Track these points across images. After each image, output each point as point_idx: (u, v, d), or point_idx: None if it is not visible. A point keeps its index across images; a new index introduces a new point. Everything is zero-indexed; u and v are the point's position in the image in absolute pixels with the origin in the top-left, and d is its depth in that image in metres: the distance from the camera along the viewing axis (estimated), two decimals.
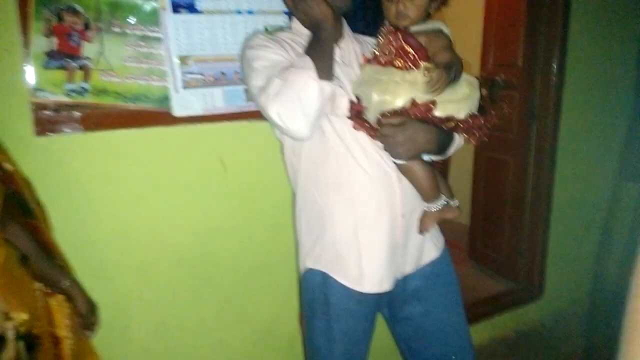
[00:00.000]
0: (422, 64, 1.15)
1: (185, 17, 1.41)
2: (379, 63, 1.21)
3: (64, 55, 1.34)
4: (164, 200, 1.55)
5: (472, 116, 1.19)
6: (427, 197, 1.26)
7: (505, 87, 2.73)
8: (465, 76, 1.20)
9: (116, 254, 1.50)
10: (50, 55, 1.32)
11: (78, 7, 1.33)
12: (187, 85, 1.45)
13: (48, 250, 1.17)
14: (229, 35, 1.48)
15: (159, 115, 1.47)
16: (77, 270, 1.32)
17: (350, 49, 1.32)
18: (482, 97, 1.25)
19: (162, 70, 1.45)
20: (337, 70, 1.21)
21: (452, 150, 1.29)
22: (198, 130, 1.54)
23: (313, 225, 1.34)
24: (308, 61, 1.13)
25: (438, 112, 1.16)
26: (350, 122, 1.22)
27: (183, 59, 1.43)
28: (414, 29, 1.20)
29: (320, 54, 1.15)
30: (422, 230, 1.31)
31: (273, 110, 1.12)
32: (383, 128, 1.16)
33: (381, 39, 1.22)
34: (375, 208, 1.25)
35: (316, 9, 1.17)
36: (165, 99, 1.46)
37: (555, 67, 2.42)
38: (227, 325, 1.73)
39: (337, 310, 1.32)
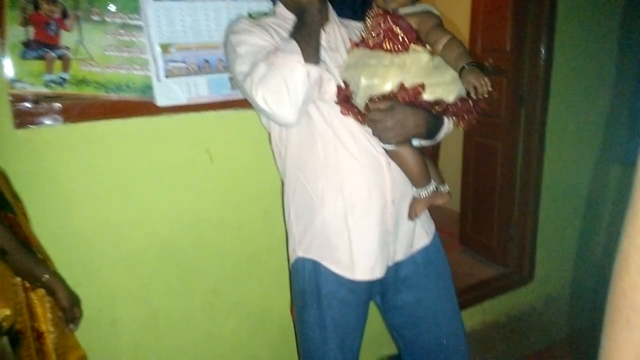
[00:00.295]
0: (412, 46, 1.13)
1: (166, 3, 1.37)
2: (368, 46, 1.19)
3: (41, 45, 1.30)
4: (150, 191, 1.52)
5: (461, 99, 1.18)
6: (417, 182, 1.25)
7: (494, 72, 2.71)
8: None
9: (102, 247, 1.47)
10: (27, 45, 1.29)
11: None
12: (170, 74, 1.42)
13: (27, 244, 1.15)
14: (212, 22, 1.45)
15: (141, 106, 1.44)
16: (63, 264, 1.30)
17: (337, 34, 1.30)
18: None
19: (143, 59, 1.41)
20: (324, 54, 1.19)
21: (441, 134, 1.28)
22: (183, 120, 1.51)
23: (303, 213, 1.32)
24: (294, 45, 1.11)
25: (427, 96, 1.15)
26: (338, 108, 1.20)
27: (165, 47, 1.40)
28: (403, 11, 1.18)
29: (306, 38, 1.12)
30: (412, 216, 1.30)
31: (259, 96, 1.10)
32: (372, 113, 1.14)
33: (369, 22, 1.20)
34: (365, 194, 1.24)
35: None
36: (148, 88, 1.43)
37: (543, 51, 2.41)
38: (217, 316, 1.72)
39: (328, 299, 1.31)
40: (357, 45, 1.23)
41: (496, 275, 2.80)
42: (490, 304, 2.59)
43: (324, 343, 1.33)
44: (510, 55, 2.60)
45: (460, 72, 1.11)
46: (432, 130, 1.22)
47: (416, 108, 1.15)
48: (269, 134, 1.38)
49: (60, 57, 1.33)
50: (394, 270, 1.36)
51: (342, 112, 1.20)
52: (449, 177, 1.35)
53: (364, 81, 1.14)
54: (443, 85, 1.15)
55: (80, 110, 1.38)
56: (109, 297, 1.51)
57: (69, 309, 1.18)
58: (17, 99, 1.30)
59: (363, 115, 1.17)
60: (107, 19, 1.36)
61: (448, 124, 1.27)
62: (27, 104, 1.31)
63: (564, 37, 2.43)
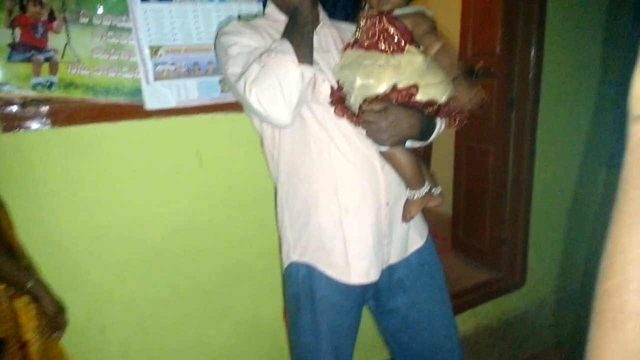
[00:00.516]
0: (407, 47, 1.13)
1: (155, 5, 1.36)
2: (362, 47, 1.18)
3: (28, 48, 1.28)
4: (139, 196, 1.50)
5: (452, 99, 1.18)
6: (410, 184, 1.24)
7: (484, 75, 2.72)
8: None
9: (90, 253, 1.45)
10: (14, 47, 1.27)
11: None
12: (159, 77, 1.40)
13: (11, 250, 1.12)
14: (201, 24, 1.43)
15: (130, 109, 1.42)
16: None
17: (328, 35, 1.30)
18: None
19: (132, 62, 1.40)
20: (316, 56, 1.18)
21: (434, 135, 1.27)
22: (172, 123, 1.49)
23: (297, 217, 1.31)
24: (287, 45, 1.10)
25: (420, 97, 1.15)
26: (331, 110, 1.19)
27: (154, 50, 1.38)
28: (397, 12, 1.18)
29: (299, 39, 1.12)
30: (406, 218, 1.29)
31: (253, 96, 1.09)
32: (366, 114, 1.14)
33: (363, 23, 1.20)
34: (360, 196, 1.23)
35: None
36: (136, 91, 1.41)
37: (533, 54, 2.42)
38: (208, 323, 1.70)
39: (322, 303, 1.29)
40: (350, 45, 1.23)
41: (488, 280, 2.79)
42: (482, 309, 2.58)
43: (318, 349, 1.31)
44: (501, 58, 2.60)
45: (454, 80, 1.14)
46: (425, 131, 1.21)
47: (410, 109, 1.15)
48: (261, 137, 1.36)
49: (47, 60, 1.31)
50: (388, 274, 1.35)
51: (335, 114, 1.19)
52: (441, 180, 1.35)
53: (359, 81, 1.13)
54: (435, 86, 1.15)
55: (68, 113, 1.36)
56: (98, 303, 1.48)
57: (54, 317, 1.15)
58: (4, 102, 1.28)
59: (357, 117, 1.16)
60: (95, 21, 1.35)
61: (440, 125, 1.26)
62: (14, 108, 1.29)
63: (554, 40, 2.44)
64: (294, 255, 1.33)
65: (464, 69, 1.14)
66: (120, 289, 1.51)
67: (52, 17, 1.30)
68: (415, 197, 1.25)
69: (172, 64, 1.41)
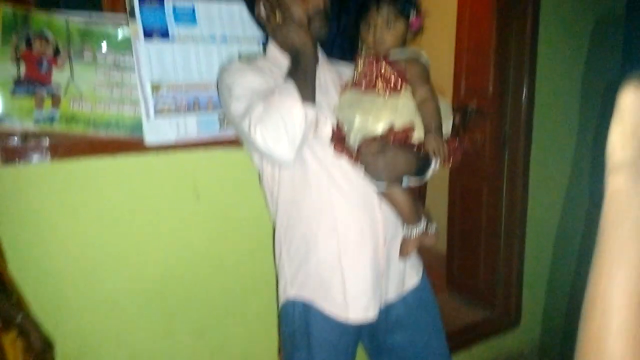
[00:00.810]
0: (403, 88, 1.17)
1: (157, 44, 1.39)
2: (360, 88, 1.22)
3: (32, 82, 1.31)
4: (134, 230, 1.50)
5: (447, 140, 1.21)
6: (407, 221, 1.26)
7: (477, 114, 2.78)
8: (439, 102, 1.21)
9: (83, 287, 1.44)
10: (18, 82, 1.29)
11: (48, 34, 1.31)
12: (159, 113, 1.42)
13: (1, 284, 1.12)
14: (203, 62, 1.47)
15: (130, 143, 1.44)
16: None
17: (327, 75, 1.33)
18: (454, 125, 1.27)
19: (134, 98, 1.42)
20: (317, 96, 1.21)
21: (429, 173, 1.29)
22: (170, 158, 1.51)
23: (295, 253, 1.31)
24: (291, 86, 1.13)
25: (416, 137, 1.18)
26: (331, 148, 1.22)
27: (156, 86, 1.41)
28: (392, 55, 1.22)
29: (302, 79, 1.15)
30: (403, 255, 1.30)
31: (258, 135, 1.11)
32: (363, 154, 1.16)
33: (360, 64, 1.23)
34: (358, 233, 1.24)
35: (295, 36, 1.19)
36: (137, 126, 1.43)
37: (525, 94, 2.47)
38: None
39: (319, 342, 1.28)
40: (349, 86, 1.26)
41: (483, 319, 2.78)
42: (478, 349, 2.56)
43: None
44: (493, 97, 2.67)
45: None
46: (421, 169, 1.23)
47: (406, 149, 1.17)
48: (260, 173, 1.38)
49: (50, 95, 1.33)
50: (385, 311, 1.34)
51: (335, 153, 1.21)
52: (436, 218, 1.37)
53: (357, 122, 1.16)
54: None
55: (68, 147, 1.37)
56: (88, 339, 1.46)
57: (41, 353, 1.14)
58: (5, 135, 1.29)
59: (356, 156, 1.19)
60: (99, 58, 1.38)
61: (435, 163, 1.29)
62: (15, 141, 1.31)
63: (545, 80, 2.51)
64: (291, 291, 1.32)
65: (440, 124, 1.17)
66: (112, 324, 1.49)
67: (57, 52, 1.33)
68: (412, 234, 1.26)
69: (173, 100, 1.44)
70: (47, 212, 1.37)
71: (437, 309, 1.45)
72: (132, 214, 1.49)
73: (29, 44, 1.29)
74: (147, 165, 1.49)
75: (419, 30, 1.26)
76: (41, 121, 1.33)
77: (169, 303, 1.58)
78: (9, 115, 1.29)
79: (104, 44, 1.38)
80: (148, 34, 1.37)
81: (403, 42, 1.24)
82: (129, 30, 1.37)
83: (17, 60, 1.28)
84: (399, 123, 1.16)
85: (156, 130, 1.43)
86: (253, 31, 1.51)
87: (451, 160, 1.22)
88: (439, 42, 3.33)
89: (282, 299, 1.37)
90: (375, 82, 1.19)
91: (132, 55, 1.39)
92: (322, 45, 1.39)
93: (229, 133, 1.51)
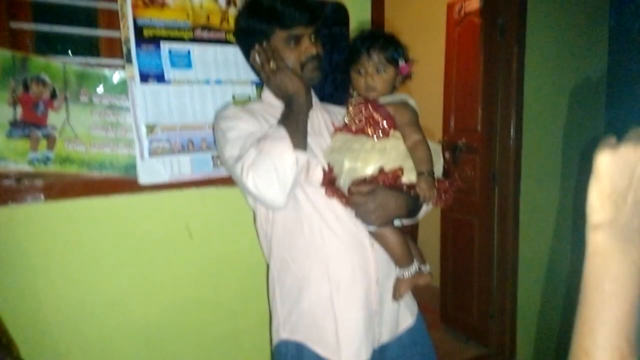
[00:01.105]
0: (392, 132, 1.21)
1: (153, 87, 1.42)
2: (350, 131, 1.25)
3: (28, 125, 1.33)
4: (126, 270, 1.50)
5: (437, 181, 1.23)
6: (400, 262, 1.27)
7: (467, 151, 2.83)
8: (429, 144, 1.24)
9: (74, 329, 1.42)
10: (14, 124, 1.31)
11: (45, 77, 1.34)
12: (153, 153, 1.44)
13: None
14: (197, 104, 1.50)
15: (124, 183, 1.45)
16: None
17: (320, 118, 1.36)
18: (445, 161, 1.30)
19: (128, 138, 1.44)
20: (309, 139, 1.23)
21: (421, 214, 1.31)
22: (163, 198, 1.52)
23: (288, 294, 1.31)
24: (283, 132, 1.16)
25: (405, 179, 1.20)
26: (322, 190, 1.24)
27: (150, 127, 1.43)
28: (382, 100, 1.25)
29: (294, 125, 1.18)
30: (396, 296, 1.30)
31: (249, 180, 1.13)
32: (354, 196, 1.18)
33: (351, 109, 1.27)
34: (350, 274, 1.25)
35: (289, 83, 1.22)
36: (131, 166, 1.45)
37: (512, 130, 2.53)
38: None
39: None
40: (340, 130, 1.29)
41: (477, 356, 2.75)
42: None
43: None
44: (482, 135, 2.72)
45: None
46: (412, 210, 1.25)
47: (396, 190, 1.20)
48: (254, 213, 1.39)
49: (45, 136, 1.35)
50: (379, 353, 1.33)
51: (326, 195, 1.23)
52: (428, 252, 1.38)
53: (347, 165, 1.19)
54: None
55: (61, 188, 1.38)
56: None
57: None
58: None
59: (346, 198, 1.21)
60: (95, 100, 1.40)
61: (427, 205, 1.31)
62: (9, 182, 1.32)
63: (532, 117, 2.57)
64: (283, 332, 1.32)
65: (431, 168, 1.21)
66: None
67: (53, 95, 1.36)
68: (405, 275, 1.27)
69: (167, 141, 1.46)
70: (39, 253, 1.37)
71: (433, 350, 1.44)
72: (124, 254, 1.49)
73: (26, 87, 1.32)
74: (140, 204, 1.50)
75: (408, 76, 1.30)
76: (36, 162, 1.34)
77: (162, 344, 1.56)
78: (3, 157, 1.30)
79: (100, 87, 1.41)
80: (144, 78, 1.41)
81: (392, 88, 1.28)
82: (125, 73, 1.40)
83: (14, 103, 1.31)
84: (388, 166, 1.19)
85: (150, 170, 1.45)
86: (247, 74, 1.54)
87: (443, 201, 1.24)
88: (428, 81, 3.41)
89: (275, 340, 1.36)
90: (365, 126, 1.22)
91: (128, 97, 1.42)
92: (312, 87, 1.42)
93: (222, 172, 1.52)
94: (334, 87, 1.69)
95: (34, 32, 1.39)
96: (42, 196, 1.36)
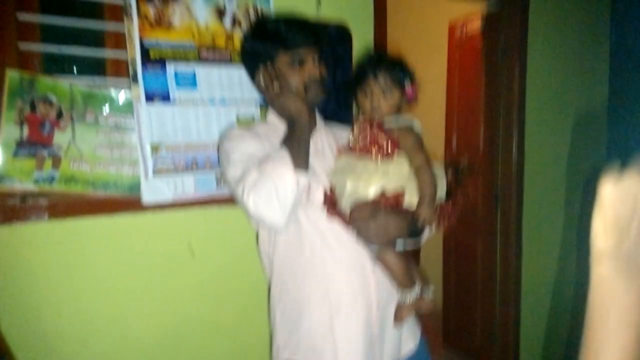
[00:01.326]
0: (396, 154, 1.22)
1: (158, 107, 1.44)
2: (354, 153, 1.26)
3: (34, 144, 1.34)
4: (128, 290, 1.49)
5: (440, 204, 1.23)
6: (401, 285, 1.26)
7: (469, 170, 2.83)
8: (433, 168, 1.25)
9: (78, 347, 1.42)
10: (20, 144, 1.32)
11: (52, 97, 1.35)
12: (158, 173, 1.45)
13: None
14: (202, 123, 1.51)
15: (128, 203, 1.46)
16: None
17: (324, 139, 1.37)
18: (448, 182, 1.30)
19: (133, 158, 1.45)
20: (311, 160, 1.24)
21: (424, 237, 1.31)
22: (167, 217, 1.53)
23: (288, 316, 1.30)
24: (285, 154, 1.17)
25: (407, 202, 1.20)
26: (324, 212, 1.24)
27: (155, 147, 1.44)
28: (387, 122, 1.26)
29: (296, 147, 1.18)
30: (397, 321, 1.29)
31: (250, 201, 1.13)
32: (355, 218, 1.18)
33: (356, 130, 1.28)
34: (350, 297, 1.24)
35: (292, 104, 1.23)
36: (135, 186, 1.45)
37: (515, 150, 2.54)
38: None
39: None
40: (344, 151, 1.30)
41: None
42: None
43: None
44: (484, 155, 2.73)
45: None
46: (414, 233, 1.25)
47: (398, 213, 1.20)
48: (257, 234, 1.40)
49: (51, 155, 1.36)
50: None
51: (328, 216, 1.23)
52: (430, 274, 1.37)
53: (349, 186, 1.19)
54: None
55: (66, 207, 1.39)
56: None
57: None
58: (4, 195, 1.31)
59: (348, 220, 1.21)
60: (101, 120, 1.42)
61: (430, 227, 1.30)
62: (14, 201, 1.32)
63: (535, 135, 2.58)
64: (283, 355, 1.31)
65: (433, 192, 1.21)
66: None
67: (60, 115, 1.37)
68: (407, 300, 1.26)
69: (172, 160, 1.47)
70: (43, 271, 1.37)
71: None
72: (127, 272, 1.49)
73: (33, 107, 1.33)
74: (143, 224, 1.50)
75: (414, 99, 1.31)
76: (41, 181, 1.35)
77: None
78: (9, 176, 1.31)
79: (106, 107, 1.42)
80: (150, 98, 1.42)
81: (398, 110, 1.29)
82: (131, 93, 1.42)
83: (21, 122, 1.32)
84: (390, 188, 1.20)
85: (154, 190, 1.46)
86: (251, 94, 1.56)
87: (446, 225, 1.24)
88: (430, 101, 3.43)
89: None
90: (369, 147, 1.23)
91: (133, 117, 1.43)
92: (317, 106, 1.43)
93: (226, 191, 1.53)
94: (337, 106, 1.71)
95: (42, 53, 1.41)
96: (46, 215, 1.36)
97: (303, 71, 1.29)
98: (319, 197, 1.24)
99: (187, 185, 1.51)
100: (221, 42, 1.53)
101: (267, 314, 1.47)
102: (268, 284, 1.38)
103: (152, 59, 1.42)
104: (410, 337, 1.38)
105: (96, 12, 1.48)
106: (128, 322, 1.49)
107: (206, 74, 1.51)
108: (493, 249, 2.68)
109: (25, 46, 1.36)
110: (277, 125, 1.35)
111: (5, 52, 1.32)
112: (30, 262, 1.35)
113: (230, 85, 1.55)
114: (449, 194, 1.30)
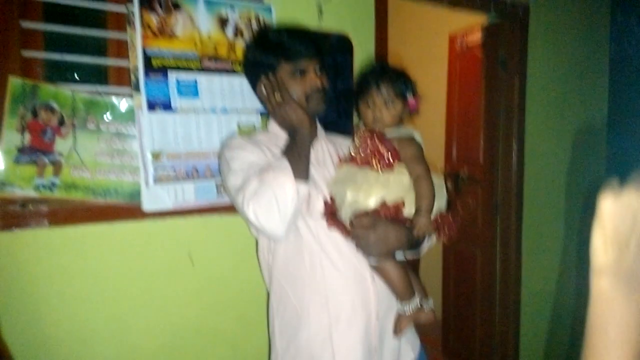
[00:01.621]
0: (396, 165, 1.22)
1: (160, 115, 1.44)
2: (355, 163, 1.26)
3: (35, 151, 1.34)
4: (127, 297, 1.49)
5: (441, 215, 1.23)
6: (400, 296, 1.26)
7: (469, 181, 2.84)
8: (433, 179, 1.25)
9: (77, 354, 1.41)
10: (22, 150, 1.32)
11: (54, 105, 1.36)
12: (158, 180, 1.45)
13: None
14: (203, 132, 1.51)
15: (128, 210, 1.46)
16: None
17: (325, 150, 1.37)
18: (448, 191, 1.30)
19: (134, 166, 1.46)
20: (312, 170, 1.25)
21: (425, 247, 1.31)
22: (167, 224, 1.53)
23: (287, 326, 1.30)
24: (285, 163, 1.17)
25: (407, 212, 1.20)
26: (324, 222, 1.24)
27: (156, 155, 1.45)
28: (388, 133, 1.27)
29: (296, 156, 1.19)
30: (397, 332, 1.29)
31: (250, 210, 1.13)
32: (355, 228, 1.18)
33: (357, 140, 1.28)
34: (350, 308, 1.24)
35: (293, 114, 1.24)
36: (135, 193, 1.45)
37: (514, 161, 2.54)
38: None
39: None
40: (345, 161, 1.31)
41: None
42: None
43: None
44: (484, 166, 2.73)
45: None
46: (414, 244, 1.25)
47: (398, 224, 1.20)
48: (257, 243, 1.40)
49: (52, 162, 1.36)
50: None
51: (327, 226, 1.23)
52: (430, 284, 1.37)
53: (349, 196, 1.20)
54: None
55: (66, 214, 1.39)
56: None
57: None
58: (5, 201, 1.31)
59: (347, 230, 1.21)
60: (102, 128, 1.42)
61: (430, 238, 1.31)
62: (15, 207, 1.32)
63: (534, 147, 2.59)
64: None
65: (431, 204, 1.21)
66: None
67: (62, 122, 1.37)
68: (406, 310, 1.26)
69: (172, 168, 1.47)
70: (43, 278, 1.37)
71: None
72: (127, 280, 1.49)
73: (35, 114, 1.34)
74: (143, 231, 1.50)
75: (416, 110, 1.31)
76: (41, 188, 1.35)
77: None
78: (10, 182, 1.31)
79: (107, 114, 1.43)
80: (151, 106, 1.43)
81: (400, 121, 1.30)
82: (132, 101, 1.43)
83: (23, 129, 1.32)
84: (390, 198, 1.20)
85: (154, 198, 1.46)
86: (252, 103, 1.57)
87: (447, 236, 1.24)
88: (430, 112, 3.44)
89: None
90: (370, 158, 1.23)
91: (135, 125, 1.44)
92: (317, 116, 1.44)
93: (226, 200, 1.53)
94: (338, 115, 1.71)
95: (45, 61, 1.42)
96: (46, 222, 1.36)
97: (304, 81, 1.29)
98: (319, 206, 1.24)
99: (188, 193, 1.52)
100: (223, 51, 1.54)
101: (266, 322, 1.46)
102: (267, 293, 1.38)
103: (155, 68, 1.43)
104: (409, 347, 1.37)
105: (99, 20, 1.49)
106: (128, 329, 1.49)
107: (208, 83, 1.52)
108: (493, 260, 2.68)
109: (28, 53, 1.37)
110: (278, 135, 1.36)
111: (9, 59, 1.33)
112: (30, 268, 1.35)
113: (231, 94, 1.56)
114: (449, 204, 1.30)
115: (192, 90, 1.49)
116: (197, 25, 1.50)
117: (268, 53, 1.31)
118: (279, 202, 1.12)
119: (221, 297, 1.65)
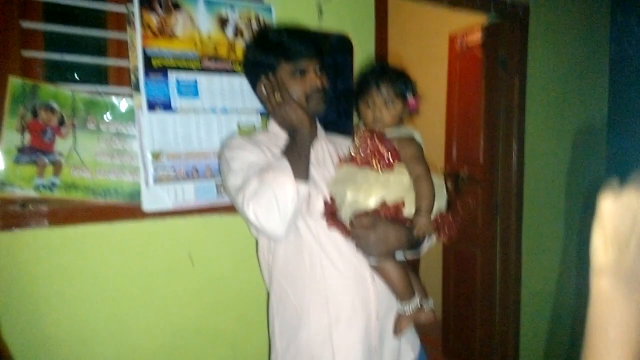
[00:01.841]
0: (396, 165, 1.22)
1: (160, 115, 1.44)
2: (355, 163, 1.26)
3: (35, 151, 1.34)
4: (127, 297, 1.49)
5: (441, 215, 1.24)
6: (401, 297, 1.26)
7: (469, 181, 2.84)
8: (433, 179, 1.25)
9: (77, 354, 1.41)
10: (22, 150, 1.32)
11: (54, 105, 1.36)
12: (158, 180, 1.45)
13: None
14: (203, 132, 1.51)
15: (128, 210, 1.46)
16: None
17: (325, 150, 1.37)
18: (448, 191, 1.30)
19: (134, 166, 1.46)
20: (312, 170, 1.25)
21: (425, 247, 1.31)
22: (167, 224, 1.53)
23: (287, 326, 1.30)
24: (285, 163, 1.17)
25: (407, 212, 1.20)
26: (324, 222, 1.24)
27: (156, 155, 1.45)
28: (389, 133, 1.27)
29: (296, 156, 1.19)
30: (397, 332, 1.29)
31: (250, 210, 1.13)
32: (355, 228, 1.18)
33: (357, 140, 1.28)
34: (350, 308, 1.24)
35: (293, 114, 1.24)
36: (135, 193, 1.45)
37: (514, 161, 2.54)
38: None
39: None
40: (345, 161, 1.31)
41: None
42: None
43: None
44: (484, 166, 2.73)
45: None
46: (414, 244, 1.25)
47: (397, 224, 1.20)
48: (257, 243, 1.40)
49: (52, 162, 1.36)
50: None
51: (327, 226, 1.23)
52: (430, 284, 1.37)
53: (349, 196, 1.20)
54: None
55: (66, 214, 1.39)
56: None
57: None
58: (5, 201, 1.31)
59: (347, 230, 1.21)
60: (102, 128, 1.42)
61: (429, 238, 1.31)
62: (14, 207, 1.32)
63: (534, 147, 2.59)
64: None
65: (431, 204, 1.21)
66: None
67: (62, 122, 1.37)
68: (406, 310, 1.26)
69: (172, 168, 1.47)
70: (43, 278, 1.37)
71: None
72: (127, 280, 1.49)
73: (35, 114, 1.34)
74: (143, 231, 1.50)
75: (416, 111, 1.31)
76: (42, 188, 1.35)
77: None
78: (10, 182, 1.31)
79: (107, 114, 1.43)
80: (151, 106, 1.43)
81: (400, 121, 1.30)
82: (132, 101, 1.43)
83: (23, 129, 1.32)
84: (390, 198, 1.20)
85: (154, 197, 1.46)
86: (252, 103, 1.57)
87: (447, 235, 1.24)
88: (430, 112, 3.44)
89: None
90: (370, 158, 1.23)
91: (135, 125, 1.44)
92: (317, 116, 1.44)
93: (226, 200, 1.53)
94: (338, 115, 1.71)
95: (45, 61, 1.42)
96: (46, 222, 1.36)
97: (304, 81, 1.29)
98: (319, 206, 1.24)
99: (188, 193, 1.52)
100: (223, 51, 1.54)
101: (266, 322, 1.46)
102: (267, 293, 1.38)
103: (155, 68, 1.43)
104: (409, 347, 1.37)
105: (99, 20, 1.49)
106: (128, 329, 1.49)
107: (208, 82, 1.52)
108: (493, 260, 2.68)
109: (28, 53, 1.37)
110: (278, 135, 1.36)
111: (9, 59, 1.33)
112: (30, 268, 1.35)
113: (231, 94, 1.56)
114: (449, 204, 1.30)
115: (192, 90, 1.49)
116: (197, 25, 1.50)
117: (268, 53, 1.31)
118: (279, 202, 1.12)
119: (221, 297, 1.65)
